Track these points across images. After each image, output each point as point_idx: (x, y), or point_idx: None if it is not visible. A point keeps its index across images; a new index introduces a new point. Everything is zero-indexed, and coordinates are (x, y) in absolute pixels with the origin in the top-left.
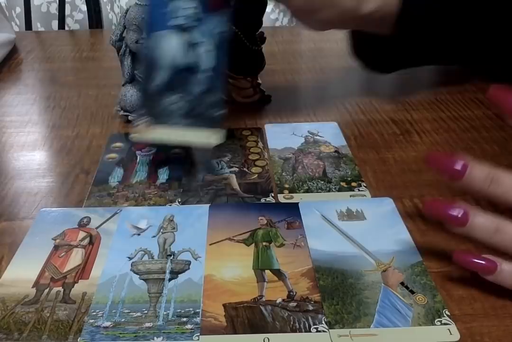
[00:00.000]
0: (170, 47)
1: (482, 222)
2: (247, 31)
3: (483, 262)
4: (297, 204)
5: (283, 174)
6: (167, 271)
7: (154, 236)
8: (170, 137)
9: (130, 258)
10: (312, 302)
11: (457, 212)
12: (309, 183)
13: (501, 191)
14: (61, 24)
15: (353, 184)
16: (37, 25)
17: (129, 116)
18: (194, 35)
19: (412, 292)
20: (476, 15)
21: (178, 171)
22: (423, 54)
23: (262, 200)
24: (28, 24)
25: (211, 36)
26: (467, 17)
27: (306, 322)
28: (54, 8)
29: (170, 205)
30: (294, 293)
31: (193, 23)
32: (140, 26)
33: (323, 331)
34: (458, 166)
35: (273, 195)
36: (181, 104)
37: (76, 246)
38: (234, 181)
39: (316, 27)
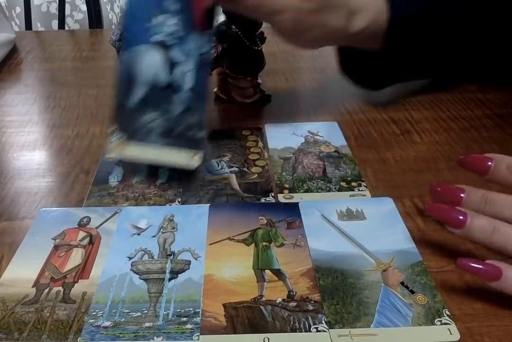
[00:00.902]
0: (150, 63)
1: (480, 223)
2: (247, 31)
3: (488, 269)
4: (297, 203)
5: (283, 173)
6: (167, 271)
7: (154, 236)
8: (147, 156)
9: (130, 258)
10: (312, 302)
11: (457, 214)
12: (309, 182)
13: (493, 210)
14: (61, 24)
15: (353, 183)
16: (37, 25)
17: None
18: (175, 54)
19: (412, 292)
20: (465, 30)
21: (178, 171)
22: (411, 69)
23: (262, 200)
24: (28, 24)
25: (192, 56)
26: (455, 32)
27: (306, 322)
28: (54, 8)
29: (170, 205)
30: (294, 293)
31: (175, 41)
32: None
33: (323, 331)
34: (459, 193)
35: (273, 194)
36: (160, 122)
37: (76, 246)
38: (234, 181)
39: (305, 46)
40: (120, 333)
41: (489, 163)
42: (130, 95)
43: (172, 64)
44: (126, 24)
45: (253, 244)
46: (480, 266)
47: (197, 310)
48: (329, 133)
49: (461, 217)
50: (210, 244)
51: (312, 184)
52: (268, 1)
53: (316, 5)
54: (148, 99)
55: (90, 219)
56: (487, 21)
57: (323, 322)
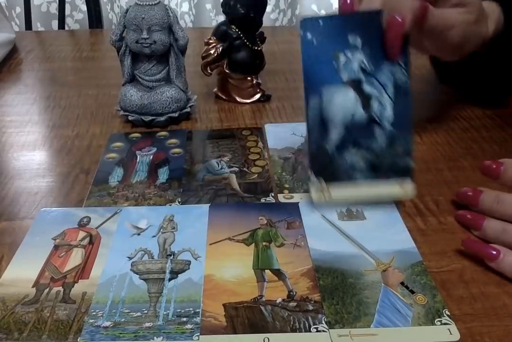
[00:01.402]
0: (344, 102)
1: (493, 225)
2: (247, 31)
3: (488, 250)
4: (297, 203)
5: (283, 173)
6: (167, 271)
7: (154, 236)
8: (357, 195)
9: (130, 258)
10: (312, 302)
11: (475, 218)
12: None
13: (503, 209)
14: (61, 24)
15: None
16: (37, 25)
17: (129, 116)
18: (369, 89)
19: (412, 292)
20: None
21: (178, 171)
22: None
23: (262, 200)
24: (28, 24)
25: (388, 87)
26: None
27: (306, 322)
28: (54, 8)
29: (170, 205)
30: (294, 293)
31: (366, 76)
32: (140, 26)
33: (323, 331)
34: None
35: (273, 194)
36: (363, 160)
37: (76, 246)
38: (234, 181)
39: (458, 56)
40: (120, 333)
41: (501, 168)
42: (327, 138)
43: (367, 100)
44: (308, 65)
45: (253, 244)
46: (482, 246)
47: (197, 310)
48: None
49: (494, 252)
50: (210, 244)
51: None
52: (445, 18)
53: (476, 16)
54: (348, 139)
55: (90, 219)
56: None
57: (323, 322)
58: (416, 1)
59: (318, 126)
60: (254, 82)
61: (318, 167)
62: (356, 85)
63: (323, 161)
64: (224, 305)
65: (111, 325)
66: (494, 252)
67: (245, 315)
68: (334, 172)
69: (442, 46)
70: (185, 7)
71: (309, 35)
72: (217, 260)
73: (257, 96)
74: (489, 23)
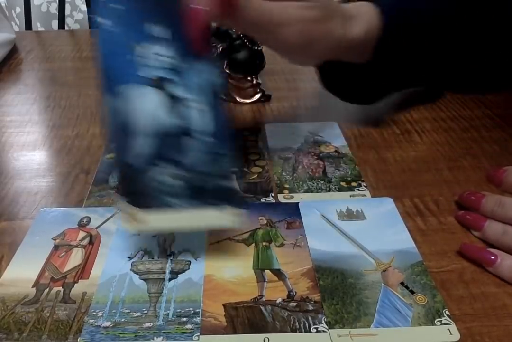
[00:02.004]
0: (147, 105)
1: (494, 226)
2: None
3: (486, 254)
4: (297, 203)
5: (283, 174)
6: (167, 271)
7: (154, 236)
8: (173, 224)
9: (130, 258)
10: (312, 302)
11: (476, 219)
12: (309, 182)
13: (504, 212)
14: (61, 24)
15: (353, 183)
16: (37, 25)
17: None
18: (176, 90)
19: (412, 292)
20: (456, 41)
21: None
22: (400, 80)
23: (262, 200)
24: (28, 24)
25: (199, 90)
26: (445, 42)
27: (306, 322)
28: (54, 8)
29: None
30: (294, 293)
31: (172, 74)
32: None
33: (323, 331)
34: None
35: (273, 194)
36: (176, 179)
37: (76, 246)
38: (234, 181)
39: (309, 60)
40: (120, 333)
41: (503, 175)
42: (131, 151)
43: (176, 103)
44: (104, 59)
45: (253, 244)
46: (479, 251)
47: (197, 310)
48: (329, 133)
49: (479, 222)
50: (210, 244)
51: (312, 184)
52: (272, 13)
53: (318, 13)
54: (154, 153)
55: (90, 219)
56: (479, 26)
57: (323, 322)
58: None
59: (120, 136)
60: (254, 82)
61: (128, 188)
62: (161, 84)
63: (131, 181)
64: (224, 305)
65: (111, 325)
66: (492, 257)
67: (245, 315)
68: (143, 195)
69: (280, 45)
70: None
71: (106, 22)
72: (217, 260)
73: (257, 96)
74: (355, 24)
